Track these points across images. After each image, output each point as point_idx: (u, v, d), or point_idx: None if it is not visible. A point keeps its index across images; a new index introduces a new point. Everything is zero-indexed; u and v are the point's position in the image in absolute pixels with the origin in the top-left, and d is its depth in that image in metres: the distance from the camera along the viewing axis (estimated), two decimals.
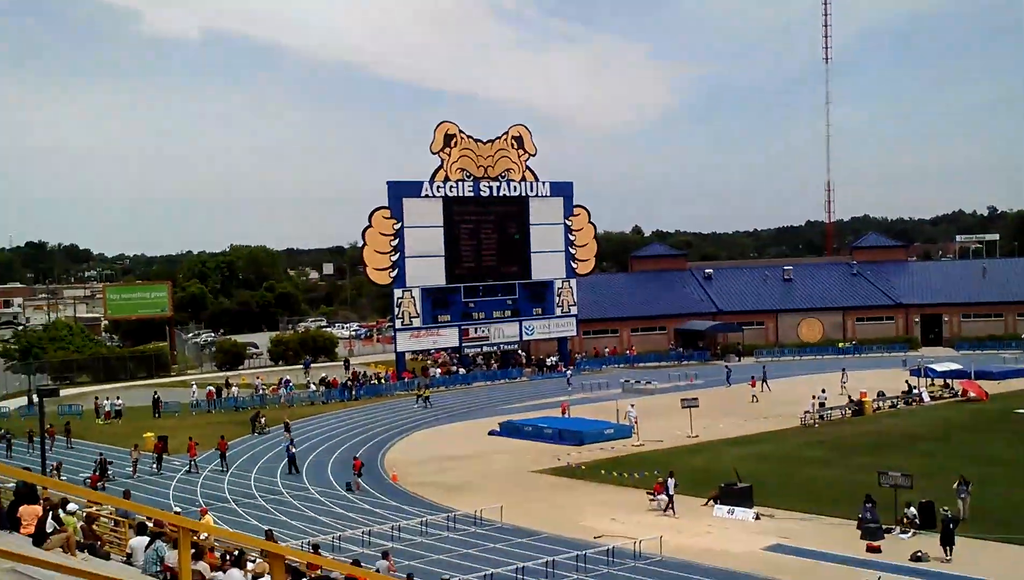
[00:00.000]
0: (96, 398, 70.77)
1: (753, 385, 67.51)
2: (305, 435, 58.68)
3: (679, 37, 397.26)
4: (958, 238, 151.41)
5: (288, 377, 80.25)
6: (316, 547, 29.31)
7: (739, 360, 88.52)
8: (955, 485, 35.29)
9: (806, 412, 57.49)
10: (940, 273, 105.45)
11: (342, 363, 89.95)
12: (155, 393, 71.40)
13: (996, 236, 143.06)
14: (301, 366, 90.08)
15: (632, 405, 57.76)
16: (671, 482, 38.32)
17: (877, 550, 32.00)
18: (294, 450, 49.84)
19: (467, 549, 34.22)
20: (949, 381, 66.77)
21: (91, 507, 22.26)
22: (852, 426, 56.06)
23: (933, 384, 66.67)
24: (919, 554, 31.02)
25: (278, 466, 50.28)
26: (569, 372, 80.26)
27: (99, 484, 44.73)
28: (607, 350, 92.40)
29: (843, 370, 70.80)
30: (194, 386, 75.45)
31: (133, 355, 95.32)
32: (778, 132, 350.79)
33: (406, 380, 78.91)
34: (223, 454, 50.67)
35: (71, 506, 18.62)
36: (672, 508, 37.80)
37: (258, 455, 53.76)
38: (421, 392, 71.24)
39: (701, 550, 32.95)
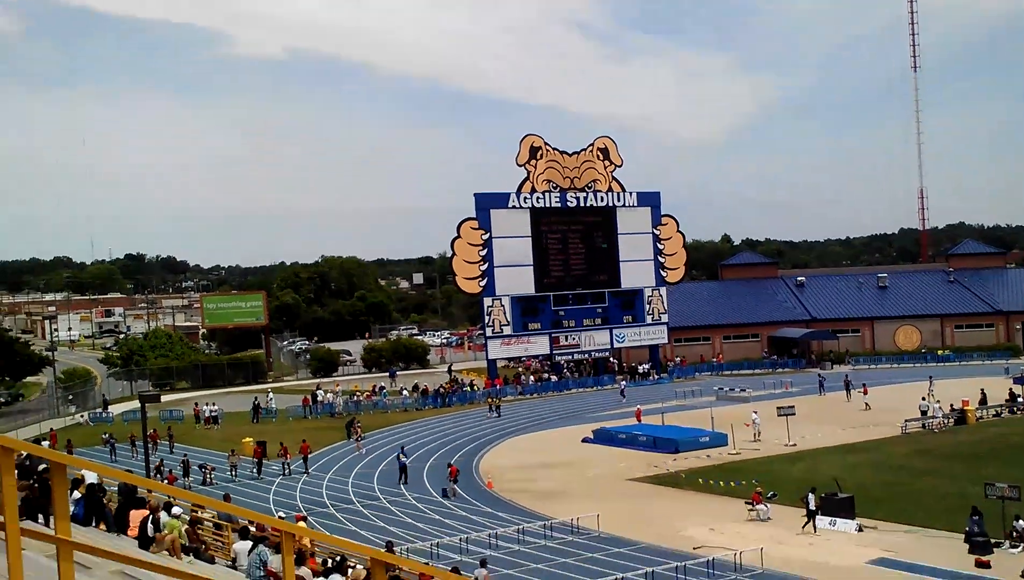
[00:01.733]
0: (196, 404, 72.09)
1: (865, 392, 65.99)
2: (400, 442, 59.07)
3: (764, 47, 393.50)
4: None
5: (382, 384, 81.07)
6: (390, 544, 29.27)
7: (832, 367, 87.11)
8: None
9: (907, 421, 56.30)
10: None
11: (446, 369, 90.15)
12: (255, 399, 72.53)
13: None
14: (387, 374, 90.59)
15: (755, 411, 57.06)
16: (811, 497, 36.66)
17: (986, 565, 31.11)
18: (405, 459, 49.59)
19: (564, 558, 34.07)
20: None
21: (195, 511, 22.67)
22: (955, 435, 54.73)
23: None
24: None
25: (374, 472, 50.74)
26: (623, 384, 79.08)
27: (185, 483, 46.89)
28: (685, 359, 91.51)
29: (930, 378, 68.88)
30: (270, 393, 76.16)
31: (231, 362, 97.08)
32: (868, 139, 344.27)
33: (498, 387, 79.19)
34: (305, 457, 51.68)
35: (175, 510, 18.92)
36: (813, 525, 36.30)
37: (354, 461, 54.28)
38: (493, 401, 71.34)
39: (804, 563, 32.36)
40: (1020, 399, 62.58)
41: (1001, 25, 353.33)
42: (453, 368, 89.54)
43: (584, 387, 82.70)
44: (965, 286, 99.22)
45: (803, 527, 36.20)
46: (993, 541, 32.61)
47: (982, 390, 62.96)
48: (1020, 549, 32.40)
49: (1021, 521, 33.37)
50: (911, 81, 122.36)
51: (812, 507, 36.24)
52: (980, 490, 35.55)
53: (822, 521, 36.75)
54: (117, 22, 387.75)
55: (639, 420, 61.22)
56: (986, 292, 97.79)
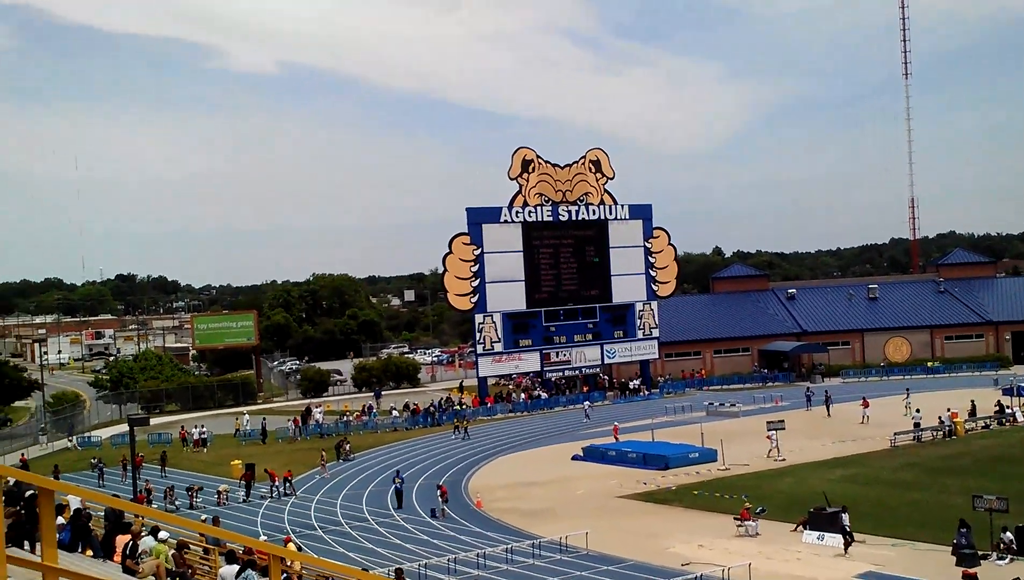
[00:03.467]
0: (182, 427, 71.96)
1: (865, 405, 65.18)
2: (389, 462, 59.07)
3: (753, 55, 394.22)
4: None
5: (371, 403, 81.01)
6: (400, 572, 29.31)
7: (822, 381, 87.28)
8: None
9: (896, 434, 56.38)
10: None
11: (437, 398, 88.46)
12: (263, 419, 72.65)
13: None
14: (372, 395, 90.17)
15: (774, 428, 54.61)
16: (845, 516, 35.58)
17: (974, 577, 31.03)
18: (400, 484, 48.82)
19: (553, 577, 34.02)
20: None
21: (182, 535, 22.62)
22: (943, 447, 54.80)
23: None
24: None
25: (363, 493, 50.67)
26: (587, 405, 77.10)
27: (165, 506, 47.18)
28: (684, 371, 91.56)
29: (907, 391, 68.93)
30: (246, 416, 75.91)
31: (220, 383, 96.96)
32: (858, 149, 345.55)
33: (489, 405, 79.19)
34: (288, 480, 51.54)
35: (162, 534, 18.89)
36: (851, 543, 34.94)
37: (343, 482, 54.20)
38: (460, 423, 70.30)
39: (792, 578, 32.39)
40: (1009, 411, 62.73)
41: (990, 33, 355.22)
42: (453, 400, 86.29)
43: (575, 404, 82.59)
44: (955, 296, 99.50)
45: (845, 550, 34.80)
46: (981, 553, 32.65)
47: (972, 402, 63.12)
48: (1007, 561, 32.44)
49: (1008, 533, 33.44)
50: (902, 88, 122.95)
51: (847, 526, 35.15)
52: (968, 502, 35.62)
53: (809, 536, 36.80)
54: (110, 38, 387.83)
55: (616, 438, 60.96)
56: (976, 302, 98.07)
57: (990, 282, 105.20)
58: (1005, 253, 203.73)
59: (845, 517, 35.21)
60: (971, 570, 31.46)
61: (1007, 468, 47.47)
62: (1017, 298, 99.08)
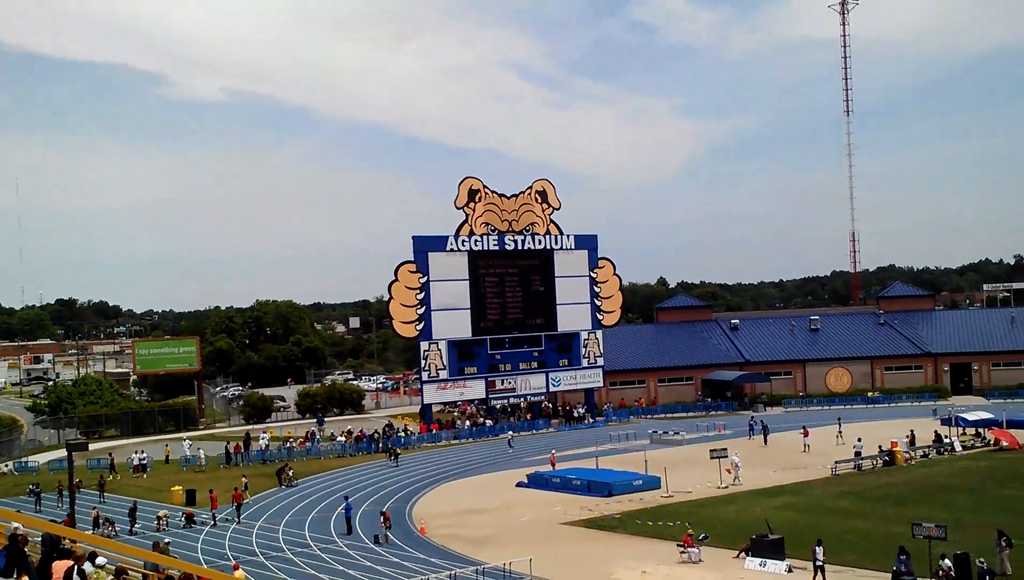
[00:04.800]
0: (110, 454, 70.55)
1: (805, 434, 66.18)
2: (333, 488, 58.65)
3: (702, 92, 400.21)
4: (985, 287, 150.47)
5: (315, 430, 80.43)
6: None
7: (765, 410, 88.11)
8: (996, 540, 34.67)
9: (837, 462, 57.02)
10: (968, 322, 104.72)
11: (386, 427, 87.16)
12: (227, 443, 72.45)
13: None
14: (315, 422, 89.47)
15: (736, 453, 56.46)
16: (819, 550, 34.52)
17: None
18: (348, 508, 48.41)
19: None
20: (981, 430, 66.15)
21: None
22: (883, 476, 55.50)
23: (964, 433, 66.04)
24: None
25: (306, 519, 50.23)
26: (510, 434, 77.68)
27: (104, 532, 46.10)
28: (634, 401, 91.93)
29: (838, 420, 70.22)
30: (187, 441, 75.01)
31: (162, 409, 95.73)
32: (801, 184, 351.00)
33: (434, 432, 78.96)
34: (238, 505, 50.97)
35: (100, 559, 18.61)
36: (823, 577, 34.28)
37: (286, 508, 53.68)
38: (392, 450, 69.78)
39: None
40: (947, 440, 63.68)
41: (929, 73, 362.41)
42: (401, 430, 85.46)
43: (520, 431, 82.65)
44: (895, 328, 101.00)
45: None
46: None
47: (911, 431, 63.99)
48: None
49: (947, 560, 33.82)
50: (844, 126, 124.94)
51: (820, 561, 34.25)
52: (907, 530, 36.03)
53: (752, 562, 37.05)
54: (52, 63, 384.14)
55: (553, 466, 61.02)
56: (915, 334, 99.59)
57: (929, 315, 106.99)
58: (943, 286, 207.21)
59: (819, 550, 34.48)
60: None
61: (945, 497, 48.18)
62: (955, 330, 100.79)
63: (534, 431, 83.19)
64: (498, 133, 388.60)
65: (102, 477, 60.34)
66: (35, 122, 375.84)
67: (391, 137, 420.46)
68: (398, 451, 69.65)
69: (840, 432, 67.03)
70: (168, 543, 36.18)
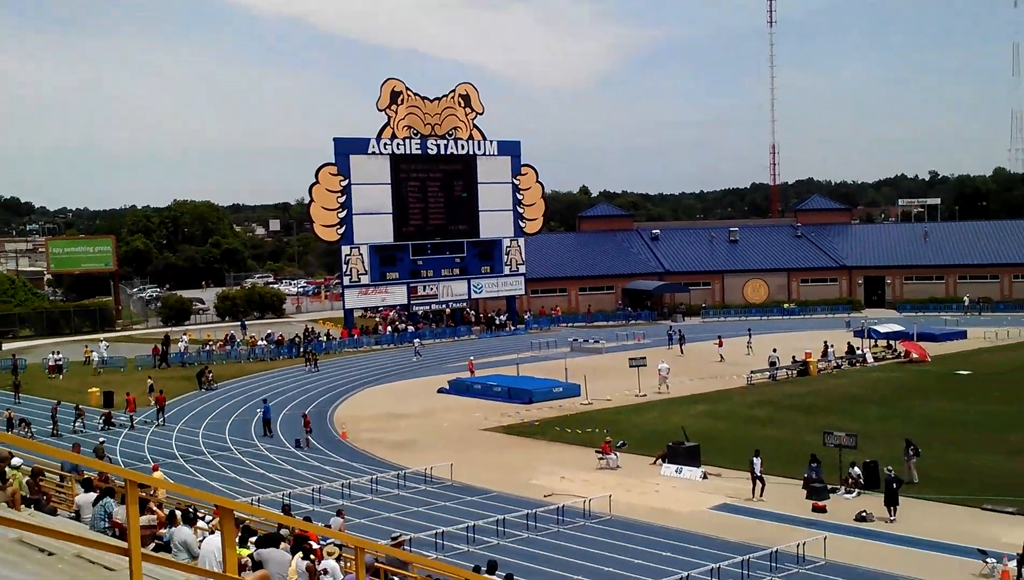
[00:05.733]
0: (14, 356, 68.84)
1: (720, 345, 67.30)
2: (254, 392, 58.48)
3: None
4: (900, 202, 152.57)
5: (234, 333, 79.83)
6: (287, 508, 29.37)
7: (683, 319, 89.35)
8: (904, 449, 35.75)
9: (752, 372, 58.13)
10: (883, 236, 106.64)
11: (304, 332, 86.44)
12: (163, 343, 71.38)
13: (937, 200, 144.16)
14: (238, 325, 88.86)
15: (664, 362, 57.70)
16: (756, 461, 34.39)
17: (822, 510, 32.52)
18: (266, 411, 48.33)
19: (417, 507, 34.34)
20: (892, 342, 67.79)
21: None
22: (797, 386, 56.75)
23: (876, 345, 67.67)
24: (863, 514, 31.51)
25: (226, 422, 50.12)
26: (417, 343, 76.15)
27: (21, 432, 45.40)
28: (554, 309, 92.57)
29: (748, 331, 71.65)
30: (103, 342, 73.80)
31: (77, 309, 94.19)
32: (724, 95, 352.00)
33: (355, 337, 78.82)
34: (160, 408, 50.68)
35: (15, 460, 18.36)
36: (762, 488, 34.18)
37: (206, 411, 53.46)
38: (310, 355, 69.48)
39: (649, 509, 33.28)
40: (859, 352, 65.19)
41: None
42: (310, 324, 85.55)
43: (441, 338, 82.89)
44: (811, 241, 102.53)
45: (754, 494, 34.26)
46: (830, 487, 34.05)
47: (825, 343, 65.34)
48: (855, 495, 33.87)
49: (856, 468, 34.90)
50: (767, 37, 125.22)
51: (758, 472, 34.24)
52: (819, 439, 37.03)
53: (668, 469, 37.83)
54: None
55: (472, 373, 61.55)
56: (831, 247, 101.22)
57: (845, 228, 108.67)
58: (860, 200, 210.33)
59: (757, 462, 34.36)
60: (820, 503, 32.91)
61: (856, 407, 49.48)
62: (870, 244, 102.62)
63: (455, 338, 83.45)
64: (419, 32, 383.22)
65: (17, 377, 59.39)
66: None
67: (312, 35, 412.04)
68: (317, 356, 69.40)
69: (750, 343, 68.42)
70: (103, 443, 35.70)
